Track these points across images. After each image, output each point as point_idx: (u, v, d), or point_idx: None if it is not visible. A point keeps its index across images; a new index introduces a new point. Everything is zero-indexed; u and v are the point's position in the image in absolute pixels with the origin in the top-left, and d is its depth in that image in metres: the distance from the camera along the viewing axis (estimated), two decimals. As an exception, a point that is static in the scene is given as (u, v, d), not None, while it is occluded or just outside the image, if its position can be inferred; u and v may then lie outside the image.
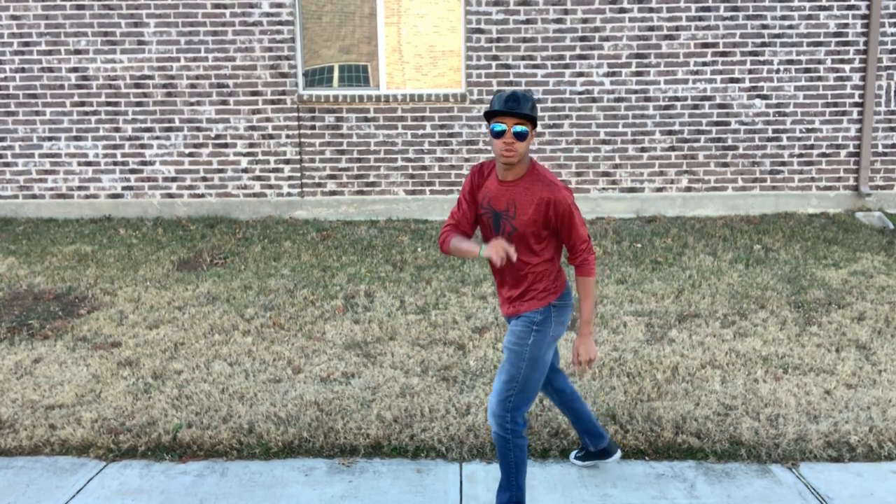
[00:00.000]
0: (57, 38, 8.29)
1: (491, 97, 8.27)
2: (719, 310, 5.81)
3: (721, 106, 8.36)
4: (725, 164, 8.45)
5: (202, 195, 8.49)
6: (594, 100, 8.34)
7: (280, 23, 8.22)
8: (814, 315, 5.71)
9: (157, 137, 8.41)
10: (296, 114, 8.36)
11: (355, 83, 8.47)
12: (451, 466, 3.96)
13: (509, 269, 3.31)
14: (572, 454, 3.98)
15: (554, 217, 3.19)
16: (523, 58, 8.27)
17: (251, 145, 8.41)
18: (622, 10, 8.20)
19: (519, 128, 3.10)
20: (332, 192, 8.48)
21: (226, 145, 8.42)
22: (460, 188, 3.29)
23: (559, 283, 3.32)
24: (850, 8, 8.19)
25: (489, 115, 3.14)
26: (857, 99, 8.35)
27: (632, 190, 8.48)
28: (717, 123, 8.39)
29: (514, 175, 3.23)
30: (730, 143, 8.42)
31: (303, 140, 8.41)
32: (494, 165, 3.32)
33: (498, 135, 3.12)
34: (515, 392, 3.24)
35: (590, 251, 3.29)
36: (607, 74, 8.29)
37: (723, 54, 8.28)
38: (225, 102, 8.35)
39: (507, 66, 8.28)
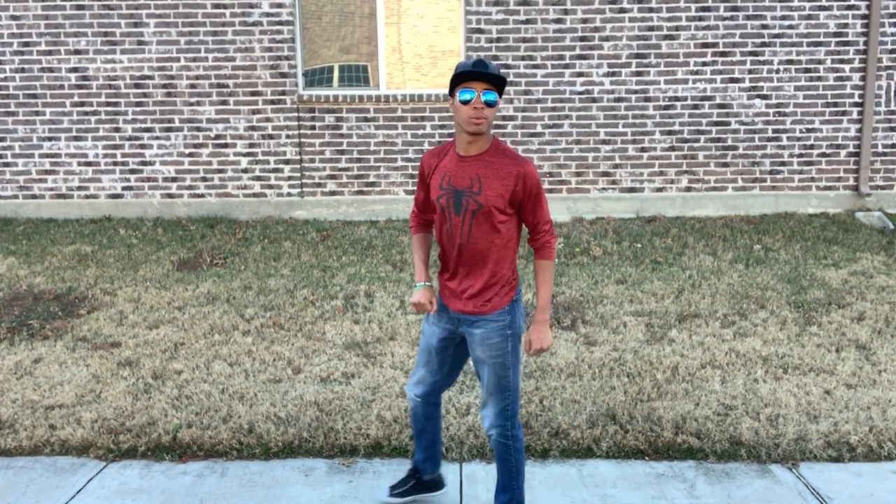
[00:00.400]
0: (57, 39, 8.29)
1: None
2: (719, 310, 5.81)
3: (721, 106, 8.36)
4: (725, 164, 8.45)
5: (202, 195, 8.49)
6: (594, 100, 8.34)
7: (280, 23, 8.22)
8: (814, 315, 5.71)
9: (157, 137, 8.41)
10: (296, 114, 8.36)
11: (355, 83, 8.47)
12: (450, 466, 3.96)
13: (469, 251, 3.10)
14: (387, 491, 3.60)
15: (522, 191, 3.03)
16: (523, 58, 8.27)
17: (251, 145, 8.41)
18: (622, 10, 8.20)
19: (489, 94, 2.94)
20: (332, 193, 8.48)
21: (226, 145, 8.42)
22: (418, 170, 3.25)
23: (516, 274, 3.19)
24: (849, 8, 8.19)
25: (454, 84, 2.98)
26: (856, 99, 8.35)
27: (632, 190, 8.48)
28: (716, 123, 8.39)
29: (478, 149, 3.05)
30: (730, 143, 8.42)
31: (303, 140, 8.41)
32: (450, 146, 3.14)
33: (465, 102, 2.94)
34: (511, 401, 3.20)
35: (552, 233, 3.15)
36: (607, 74, 8.29)
37: (723, 54, 8.28)
38: (225, 102, 8.35)
39: (507, 66, 8.28)
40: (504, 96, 8.31)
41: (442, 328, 3.27)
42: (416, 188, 3.27)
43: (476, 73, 2.92)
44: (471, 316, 3.16)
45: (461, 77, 2.95)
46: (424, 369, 3.37)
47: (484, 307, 3.13)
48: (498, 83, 2.95)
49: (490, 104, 2.95)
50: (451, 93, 3.02)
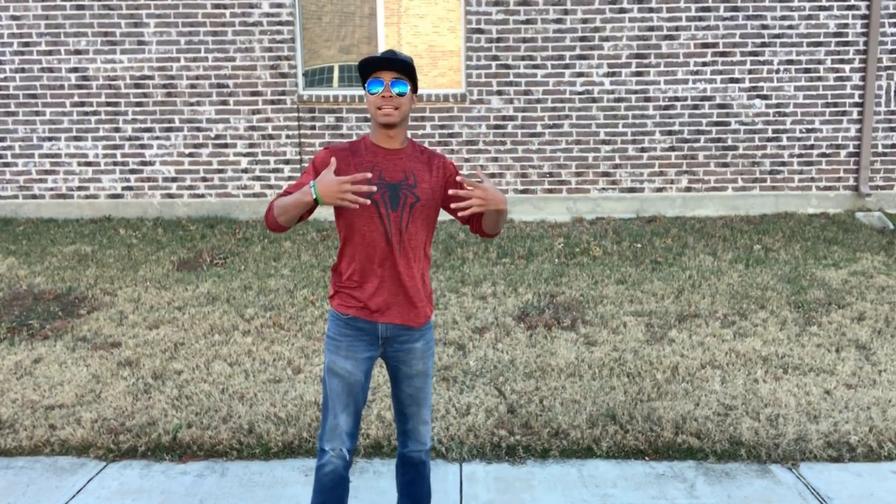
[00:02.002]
0: (57, 39, 8.29)
1: (491, 97, 8.29)
2: (719, 310, 5.81)
3: (721, 106, 8.36)
4: (725, 165, 8.45)
5: (202, 195, 8.49)
6: (594, 100, 8.34)
7: (280, 23, 8.22)
8: (814, 315, 5.71)
9: (157, 137, 8.41)
10: (296, 114, 8.36)
11: (355, 83, 8.47)
12: (451, 466, 3.96)
13: (404, 250, 2.83)
14: None
15: (445, 182, 2.89)
16: (523, 58, 8.27)
17: (251, 145, 8.41)
18: (622, 11, 8.20)
19: (399, 83, 2.75)
20: (332, 193, 8.48)
21: (226, 145, 8.42)
22: (315, 162, 2.83)
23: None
24: (849, 8, 8.19)
25: (363, 76, 2.79)
26: (856, 99, 8.35)
27: (632, 190, 8.48)
28: (716, 123, 8.39)
29: (399, 142, 2.86)
30: (730, 143, 8.42)
31: (303, 140, 8.41)
32: (359, 143, 2.87)
33: (374, 93, 2.76)
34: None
35: None
36: (607, 74, 8.29)
37: (723, 54, 8.28)
38: (225, 103, 8.35)
39: (507, 67, 8.28)
40: (504, 96, 8.32)
41: (364, 359, 2.86)
42: (302, 181, 2.80)
43: (383, 62, 2.74)
44: (412, 329, 2.90)
45: (368, 68, 2.76)
46: (344, 415, 2.86)
47: (427, 313, 2.92)
48: (408, 72, 2.77)
49: (401, 94, 2.76)
50: (364, 86, 2.83)
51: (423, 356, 2.94)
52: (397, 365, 2.95)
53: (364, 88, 2.82)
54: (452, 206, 2.87)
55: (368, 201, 2.61)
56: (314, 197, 2.56)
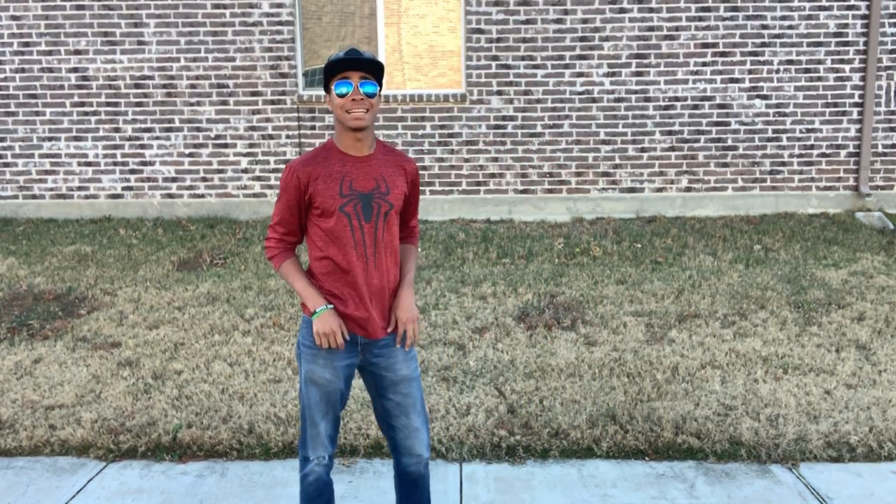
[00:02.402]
0: (57, 39, 8.30)
1: (491, 97, 8.29)
2: (719, 310, 5.81)
3: (721, 106, 8.36)
4: (725, 165, 8.45)
5: (202, 195, 8.49)
6: (594, 100, 8.34)
7: (280, 23, 8.22)
8: (814, 315, 5.71)
9: (157, 138, 8.41)
10: (296, 114, 8.36)
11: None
12: (451, 466, 3.96)
13: (380, 260, 2.76)
14: None
15: (410, 189, 2.84)
16: (523, 58, 8.27)
17: (251, 145, 8.41)
18: (622, 11, 8.20)
19: (367, 84, 2.63)
20: (332, 193, 8.48)
21: (226, 145, 8.42)
22: (287, 186, 2.74)
23: None
24: (849, 8, 8.19)
25: (328, 77, 2.66)
26: (856, 99, 8.36)
27: (632, 190, 8.48)
28: (716, 124, 8.39)
29: (368, 147, 2.74)
30: (730, 143, 8.42)
31: (303, 140, 8.41)
32: (327, 151, 2.74)
33: (343, 95, 2.62)
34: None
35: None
36: (607, 75, 8.29)
37: (723, 54, 8.28)
38: (225, 103, 8.35)
39: (507, 67, 8.28)
40: (504, 96, 8.32)
41: (343, 367, 2.79)
42: (284, 207, 2.75)
43: (350, 62, 2.60)
44: (392, 334, 2.83)
45: (334, 68, 2.63)
46: (324, 422, 2.82)
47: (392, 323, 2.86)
48: (376, 72, 2.65)
49: (370, 95, 2.64)
50: (327, 89, 2.69)
51: (405, 359, 2.83)
52: (379, 373, 2.84)
53: (328, 92, 2.68)
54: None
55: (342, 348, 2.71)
56: (313, 313, 2.70)
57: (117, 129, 8.41)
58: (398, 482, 3.00)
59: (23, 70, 8.35)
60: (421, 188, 8.42)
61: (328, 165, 2.70)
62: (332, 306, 2.72)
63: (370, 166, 2.73)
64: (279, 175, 8.42)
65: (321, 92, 8.37)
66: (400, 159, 2.82)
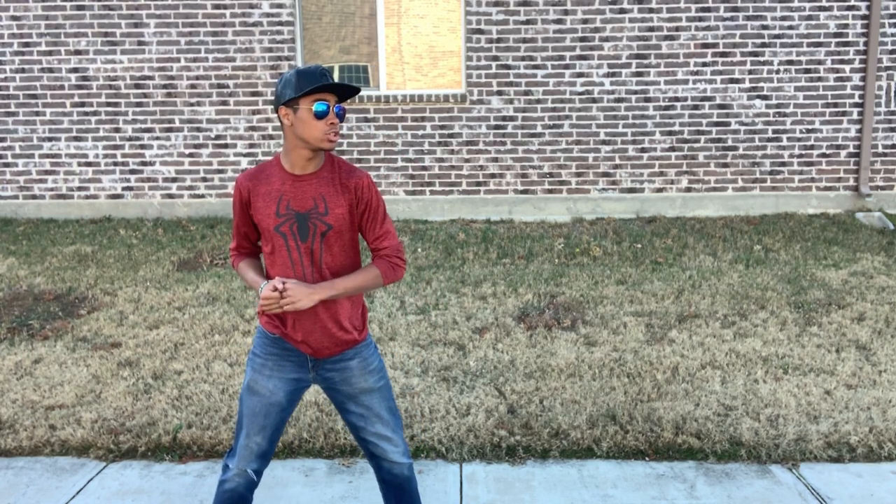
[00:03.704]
0: (57, 39, 8.30)
1: (491, 97, 8.29)
2: (719, 310, 5.81)
3: (721, 106, 8.36)
4: (725, 165, 8.45)
5: (202, 195, 8.49)
6: (594, 100, 8.34)
7: (280, 23, 8.22)
8: (814, 315, 5.71)
9: (158, 138, 8.42)
10: (296, 114, 8.36)
11: (355, 84, 8.47)
12: (451, 467, 3.96)
13: (322, 280, 2.71)
14: None
15: (358, 204, 2.71)
16: (523, 58, 8.27)
17: (251, 146, 8.41)
18: (622, 11, 8.20)
19: (338, 108, 2.63)
20: (333, 193, 8.48)
21: (226, 146, 8.42)
22: (234, 202, 2.79)
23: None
24: (850, 8, 8.20)
25: (299, 94, 2.58)
26: (857, 99, 8.36)
27: (632, 190, 8.48)
28: (717, 124, 8.39)
29: (315, 166, 2.68)
30: (730, 143, 8.42)
31: (303, 140, 8.41)
32: (270, 167, 2.71)
33: (321, 115, 2.57)
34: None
35: (400, 256, 2.78)
36: (607, 75, 8.29)
37: (723, 55, 8.28)
38: (225, 103, 8.35)
39: (507, 67, 8.28)
40: (504, 96, 8.32)
41: (290, 380, 2.74)
42: (235, 221, 2.81)
43: (336, 86, 2.59)
44: (347, 351, 2.77)
45: (309, 85, 2.57)
46: (260, 437, 2.73)
47: (358, 336, 2.78)
48: (350, 95, 2.66)
49: (340, 118, 2.65)
50: (289, 103, 2.59)
51: (362, 374, 2.76)
52: (336, 388, 2.78)
53: (290, 106, 2.59)
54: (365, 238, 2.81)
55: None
56: (259, 290, 2.64)
57: (117, 130, 8.41)
58: (383, 490, 2.94)
59: (23, 70, 8.35)
60: (421, 189, 8.41)
61: (269, 183, 2.68)
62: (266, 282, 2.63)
63: (310, 185, 2.67)
64: (279, 175, 8.42)
65: (321, 92, 8.36)
66: (345, 177, 2.70)
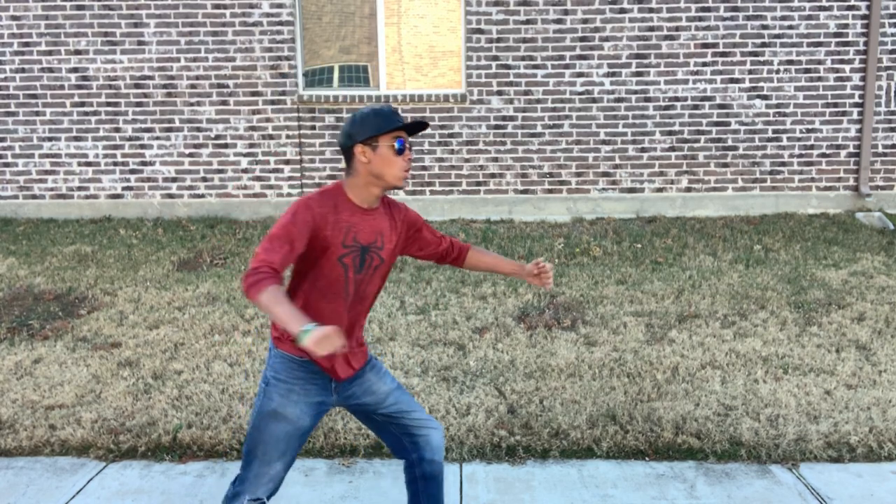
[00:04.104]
0: (57, 39, 8.30)
1: (491, 97, 8.29)
2: (719, 310, 5.81)
3: (721, 106, 8.36)
4: (725, 165, 8.45)
5: (202, 195, 8.49)
6: (594, 100, 8.34)
7: (280, 23, 8.22)
8: (814, 315, 5.71)
9: (157, 138, 8.41)
10: (296, 114, 8.36)
11: (355, 83, 8.47)
12: (451, 467, 3.96)
13: (358, 308, 2.80)
14: None
15: (406, 231, 2.90)
16: (523, 58, 8.27)
17: (251, 146, 8.41)
18: (622, 11, 8.20)
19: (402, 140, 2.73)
20: (332, 193, 8.48)
21: (226, 146, 8.42)
22: (297, 219, 2.60)
23: None
24: (850, 8, 8.19)
25: (381, 127, 2.66)
26: (857, 99, 8.35)
27: (632, 190, 8.48)
28: (717, 124, 8.39)
29: (378, 201, 2.78)
30: (730, 143, 8.42)
31: (303, 140, 8.41)
32: (337, 198, 2.70)
33: (400, 151, 2.68)
34: None
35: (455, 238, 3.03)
36: (607, 75, 8.29)
37: (723, 55, 8.28)
38: (225, 103, 8.35)
39: (507, 67, 8.28)
40: (504, 96, 8.33)
41: (313, 403, 2.73)
42: (285, 237, 2.56)
43: (415, 126, 2.71)
44: (354, 374, 2.83)
45: (389, 126, 2.66)
46: (280, 463, 2.72)
47: (365, 353, 2.89)
48: (417, 131, 2.77)
49: None
50: (367, 141, 2.66)
51: (379, 379, 2.85)
52: (360, 400, 2.83)
53: (367, 144, 2.66)
54: (448, 259, 3.03)
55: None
56: (297, 338, 2.30)
57: (117, 129, 8.41)
58: (421, 486, 2.89)
59: (23, 70, 8.35)
60: (421, 188, 8.41)
61: (339, 213, 2.68)
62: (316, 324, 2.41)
63: (374, 220, 2.75)
64: (279, 175, 8.42)
65: (321, 92, 8.37)
66: (397, 212, 2.87)
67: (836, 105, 8.37)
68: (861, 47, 8.25)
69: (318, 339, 2.26)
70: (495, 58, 8.27)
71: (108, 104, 8.37)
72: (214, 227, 7.99)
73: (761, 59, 8.28)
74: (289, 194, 8.46)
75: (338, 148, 8.40)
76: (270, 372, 2.72)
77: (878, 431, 4.17)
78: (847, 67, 8.30)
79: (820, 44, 8.27)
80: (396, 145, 2.66)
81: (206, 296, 6.15)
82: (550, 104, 8.34)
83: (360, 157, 2.67)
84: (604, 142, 8.40)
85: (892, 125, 8.43)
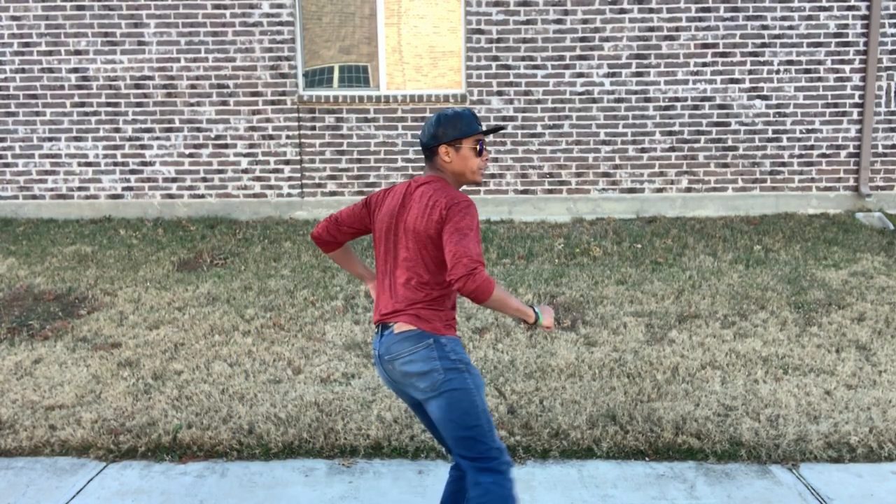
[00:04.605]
0: (57, 39, 8.30)
1: (492, 98, 8.29)
2: (719, 310, 5.81)
3: (721, 107, 8.36)
4: (725, 165, 8.45)
5: (202, 196, 8.49)
6: (594, 100, 8.34)
7: (280, 23, 8.22)
8: (814, 316, 5.71)
9: (158, 138, 8.41)
10: (296, 114, 8.36)
11: (355, 84, 8.47)
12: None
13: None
14: None
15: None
16: (523, 59, 8.27)
17: (251, 146, 8.41)
18: (622, 11, 8.20)
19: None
20: (333, 193, 8.48)
21: (226, 146, 8.42)
22: (478, 226, 2.82)
23: None
24: (850, 9, 8.20)
25: (465, 131, 2.91)
26: (857, 100, 8.35)
27: (632, 190, 8.48)
28: (717, 124, 8.39)
29: None
30: (730, 143, 8.42)
31: (303, 141, 8.41)
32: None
33: (480, 153, 2.94)
34: None
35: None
36: (607, 75, 8.29)
37: (723, 55, 8.28)
38: (225, 103, 8.35)
39: (508, 67, 8.28)
40: (504, 96, 8.34)
41: None
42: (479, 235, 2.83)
43: (493, 130, 2.98)
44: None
45: (473, 130, 2.92)
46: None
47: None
48: (488, 133, 3.00)
49: None
50: (452, 143, 2.91)
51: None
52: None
53: (452, 145, 2.89)
54: None
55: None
56: (538, 319, 2.84)
57: (117, 130, 8.41)
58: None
59: (23, 70, 8.35)
60: (421, 188, 8.40)
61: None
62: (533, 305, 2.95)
63: None
64: (279, 175, 8.42)
65: (321, 92, 8.36)
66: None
67: (836, 105, 8.37)
68: (861, 47, 8.25)
69: (549, 315, 2.88)
70: (495, 58, 8.27)
71: (108, 104, 8.37)
72: (214, 228, 7.99)
73: (761, 59, 8.28)
74: (289, 194, 8.46)
75: (337, 148, 8.41)
76: (455, 356, 2.84)
77: (878, 431, 4.17)
78: (847, 68, 8.30)
79: (820, 44, 8.27)
80: (478, 147, 2.92)
81: (206, 296, 6.15)
82: (550, 104, 8.34)
83: (443, 157, 2.93)
84: (604, 142, 8.40)
85: (892, 125, 8.43)
